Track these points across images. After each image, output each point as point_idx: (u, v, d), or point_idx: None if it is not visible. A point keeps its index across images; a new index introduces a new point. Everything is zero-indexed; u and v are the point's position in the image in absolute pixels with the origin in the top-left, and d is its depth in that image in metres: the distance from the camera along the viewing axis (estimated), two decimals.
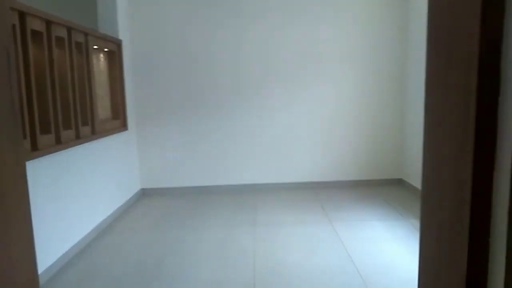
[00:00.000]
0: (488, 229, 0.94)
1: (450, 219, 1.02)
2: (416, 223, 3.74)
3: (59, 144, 3.01)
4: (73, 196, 3.38)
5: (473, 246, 0.94)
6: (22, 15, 2.60)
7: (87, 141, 3.50)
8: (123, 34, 4.58)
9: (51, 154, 2.94)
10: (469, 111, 0.92)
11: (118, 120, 4.35)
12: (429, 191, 1.14)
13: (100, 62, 4.02)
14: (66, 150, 3.17)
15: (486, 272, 0.95)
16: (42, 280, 2.84)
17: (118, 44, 4.36)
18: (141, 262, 3.17)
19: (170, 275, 2.94)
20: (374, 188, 4.99)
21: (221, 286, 2.74)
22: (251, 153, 5.08)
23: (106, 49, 4.11)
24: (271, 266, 3.01)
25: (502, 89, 0.89)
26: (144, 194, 5.08)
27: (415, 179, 4.71)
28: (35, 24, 2.73)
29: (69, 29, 3.21)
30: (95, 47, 3.76)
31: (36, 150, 2.70)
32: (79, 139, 3.32)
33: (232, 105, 5.00)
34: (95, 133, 3.64)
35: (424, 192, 1.18)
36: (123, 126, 4.44)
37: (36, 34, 2.78)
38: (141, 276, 2.94)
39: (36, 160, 2.76)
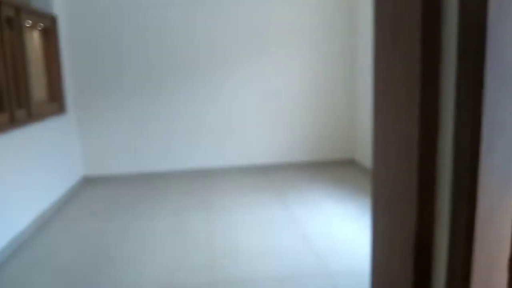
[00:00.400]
0: (434, 191, 1.07)
1: (399, 181, 1.13)
2: (369, 202, 3.97)
3: None
4: (9, 185, 3.24)
5: (421, 205, 1.06)
6: None
7: (22, 125, 3.34)
8: (59, 10, 4.36)
9: None
10: (414, 78, 1.03)
11: (57, 102, 4.17)
12: (379, 156, 1.26)
13: (34, 39, 3.82)
14: None
15: (433, 232, 1.08)
16: None
17: (53, 20, 4.15)
18: (89, 252, 3.12)
19: (122, 263, 2.92)
20: (327, 169, 5.21)
21: (179, 271, 2.78)
22: (201, 136, 5.09)
23: (40, 26, 3.90)
24: (228, 248, 3.09)
25: (442, 57, 1.01)
26: (87, 181, 4.93)
27: (367, 159, 4.97)
28: None
29: None
30: (28, 23, 3.56)
31: None
32: (13, 123, 3.16)
33: (179, 87, 4.96)
34: (31, 117, 3.48)
35: (375, 157, 1.30)
36: (62, 109, 4.27)
37: None
38: (90, 266, 2.90)
39: None
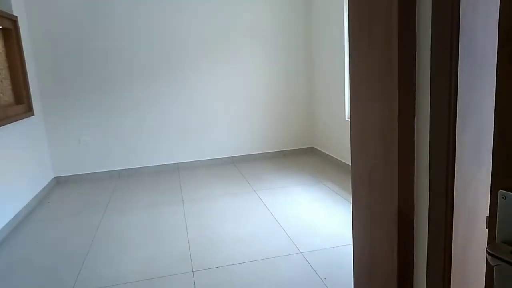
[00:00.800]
0: (413, 168, 1.10)
1: (380, 159, 1.16)
2: (330, 185, 4.07)
3: None
4: None
5: (402, 181, 1.09)
6: None
7: None
8: (18, 10, 4.08)
9: None
10: (393, 62, 1.05)
11: (22, 105, 3.92)
12: (358, 138, 1.28)
13: None
14: None
15: (413, 205, 1.11)
16: None
17: (13, 20, 3.88)
18: (66, 251, 2.97)
19: (101, 259, 2.81)
20: (289, 158, 5.27)
21: (158, 261, 2.71)
22: (168, 133, 4.98)
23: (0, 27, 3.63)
24: (205, 237, 3.05)
25: (418, 44, 1.03)
26: (59, 182, 4.69)
27: (325, 146, 5.08)
28: None
29: None
30: None
31: None
32: None
33: (145, 85, 4.81)
34: None
35: (353, 142, 1.32)
36: (29, 111, 4.02)
37: None
38: (69, 264, 2.76)
39: None
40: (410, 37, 1.03)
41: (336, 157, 4.76)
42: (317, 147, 5.34)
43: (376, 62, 1.13)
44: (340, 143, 4.63)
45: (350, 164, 4.34)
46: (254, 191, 4.05)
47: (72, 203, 4.02)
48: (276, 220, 3.30)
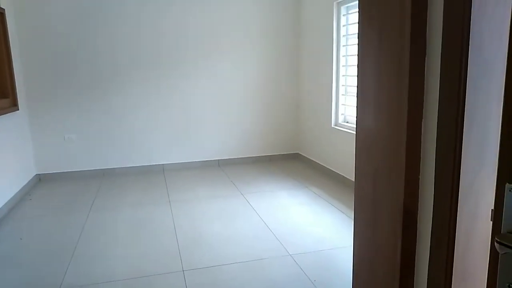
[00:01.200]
0: (419, 165, 1.16)
1: (387, 157, 1.22)
2: (316, 190, 4.13)
3: None
4: None
5: (408, 177, 1.15)
6: None
7: None
8: (6, 2, 4.00)
9: None
10: (403, 66, 1.12)
11: (7, 99, 3.83)
12: (364, 138, 1.33)
13: None
14: None
15: (418, 200, 1.17)
16: None
17: (0, 13, 3.80)
18: (52, 248, 2.91)
19: (89, 256, 2.77)
20: (275, 162, 5.32)
21: (147, 260, 2.69)
22: (155, 134, 4.95)
23: None
24: (194, 237, 3.05)
25: (428, 51, 1.10)
26: (41, 180, 4.58)
27: (311, 152, 5.16)
28: None
29: None
30: None
31: None
32: None
33: (133, 85, 4.77)
34: None
35: (359, 141, 1.37)
36: (14, 106, 3.92)
37: None
38: (56, 261, 2.71)
39: None
40: (421, 43, 1.10)
41: (321, 163, 4.85)
42: (302, 153, 5.42)
43: (387, 66, 1.19)
44: (325, 149, 4.71)
45: (335, 170, 4.39)
46: (241, 194, 4.07)
47: (56, 201, 3.94)
48: (264, 222, 3.33)
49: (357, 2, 3.86)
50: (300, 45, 5.24)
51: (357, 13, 3.71)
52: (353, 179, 4.00)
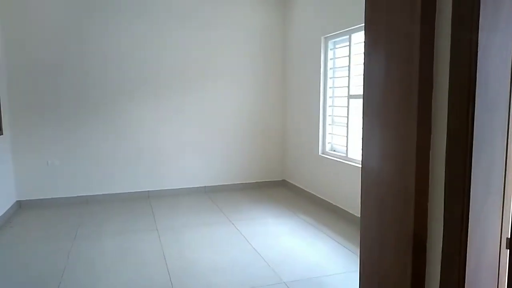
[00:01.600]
0: (428, 195, 1.21)
1: (395, 187, 1.26)
2: (305, 217, 4.15)
3: None
4: None
5: (418, 207, 1.19)
6: None
7: None
8: None
9: None
10: (412, 95, 1.18)
11: None
12: (370, 166, 1.38)
13: None
14: None
15: (427, 229, 1.22)
16: None
17: None
18: (36, 279, 2.79)
19: (75, 286, 2.67)
20: (262, 189, 5.33)
21: None
22: (139, 160, 4.90)
23: None
24: (184, 266, 2.99)
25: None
26: (22, 207, 4.42)
27: (297, 179, 5.21)
28: None
29: None
30: None
31: None
32: None
33: (117, 111, 4.76)
34: None
35: (365, 170, 1.42)
36: None
37: None
38: None
39: None
40: (428, 81, 1.17)
41: (308, 190, 4.89)
42: (289, 180, 5.46)
43: (394, 96, 1.26)
44: (313, 177, 4.77)
45: (323, 197, 4.43)
46: (230, 221, 4.04)
47: (38, 228, 3.80)
48: (255, 250, 3.30)
49: (343, 37, 4.05)
50: (288, 75, 5.38)
51: (347, 47, 3.84)
52: (341, 206, 4.07)
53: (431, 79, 1.17)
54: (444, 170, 1.15)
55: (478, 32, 1.02)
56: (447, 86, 1.13)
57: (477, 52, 1.04)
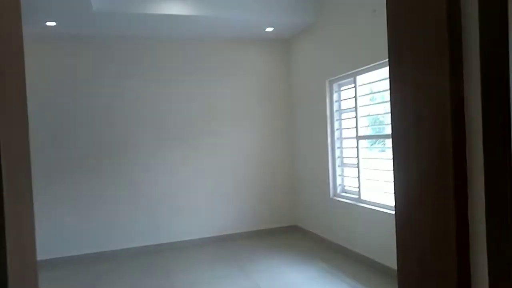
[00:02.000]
0: (468, 247, 1.15)
1: (435, 244, 1.20)
2: (322, 264, 4.00)
3: None
4: None
5: (461, 262, 1.13)
6: None
7: None
8: None
9: None
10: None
11: None
12: (405, 220, 1.33)
13: None
14: None
15: (470, 281, 1.14)
16: None
17: None
18: None
19: None
20: (274, 236, 5.20)
21: None
22: (151, 212, 4.82)
23: None
24: None
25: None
26: None
27: (308, 224, 5.09)
28: None
29: None
30: None
31: None
32: None
33: (125, 163, 4.75)
34: None
35: (400, 221, 1.36)
36: None
37: None
38: None
39: None
40: (461, 128, 1.15)
41: (321, 235, 4.76)
42: (300, 225, 5.33)
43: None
44: (326, 221, 4.66)
45: (338, 242, 4.29)
46: (247, 273, 3.89)
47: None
48: None
49: (348, 79, 4.10)
50: (295, 118, 5.42)
51: (353, 89, 3.85)
52: (358, 250, 3.91)
53: (463, 123, 1.15)
54: (484, 224, 1.10)
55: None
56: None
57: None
